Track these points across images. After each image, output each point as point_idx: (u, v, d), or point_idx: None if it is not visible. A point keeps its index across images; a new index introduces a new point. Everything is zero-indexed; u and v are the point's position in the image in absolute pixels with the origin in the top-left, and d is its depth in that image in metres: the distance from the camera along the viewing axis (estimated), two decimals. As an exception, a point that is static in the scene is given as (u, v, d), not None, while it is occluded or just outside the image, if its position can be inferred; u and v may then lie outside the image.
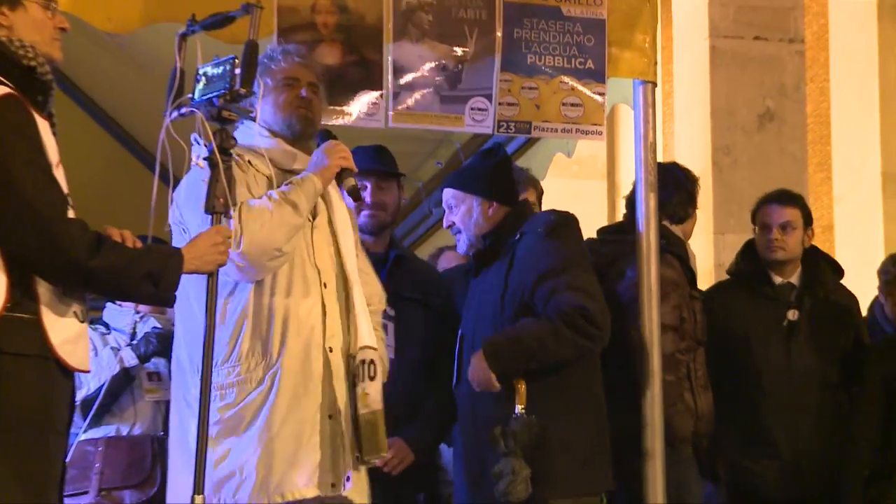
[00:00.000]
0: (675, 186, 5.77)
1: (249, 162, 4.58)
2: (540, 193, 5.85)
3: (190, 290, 4.40)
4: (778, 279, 5.95)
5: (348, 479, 4.53)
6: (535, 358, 5.03)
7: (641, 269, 5.44)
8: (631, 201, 5.70)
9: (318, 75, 4.76)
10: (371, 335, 4.64)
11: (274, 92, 4.66)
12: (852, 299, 6.20)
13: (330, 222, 4.69)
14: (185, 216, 4.51)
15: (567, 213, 5.40)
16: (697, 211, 5.92)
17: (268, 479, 4.45)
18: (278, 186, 4.52)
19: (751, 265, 6.02)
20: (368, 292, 4.76)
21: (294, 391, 4.48)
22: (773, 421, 5.79)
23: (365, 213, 5.47)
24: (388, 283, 5.29)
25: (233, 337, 4.51)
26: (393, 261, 5.57)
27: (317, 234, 4.63)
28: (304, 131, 4.65)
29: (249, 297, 4.51)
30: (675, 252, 5.67)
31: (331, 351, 4.55)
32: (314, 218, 4.64)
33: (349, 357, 4.60)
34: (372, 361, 4.60)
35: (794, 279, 5.96)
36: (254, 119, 4.39)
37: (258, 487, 4.45)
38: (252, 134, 4.56)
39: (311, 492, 4.47)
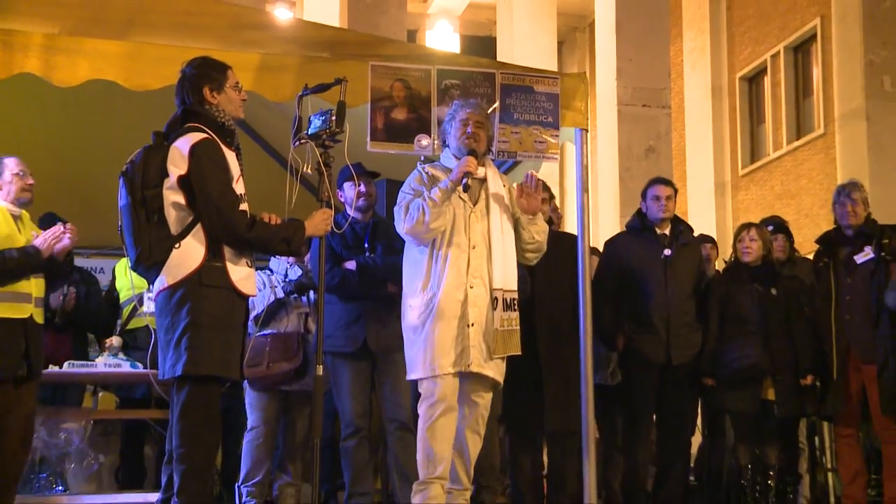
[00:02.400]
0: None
1: (431, 175, 4.36)
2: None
3: (414, 246, 4.30)
4: (658, 231, 5.59)
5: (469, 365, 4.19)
6: None
7: (579, 246, 5.01)
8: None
9: (486, 116, 4.46)
10: (502, 280, 4.26)
11: (453, 130, 4.41)
12: (698, 244, 5.91)
13: (487, 206, 4.34)
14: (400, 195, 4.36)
15: None
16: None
17: (427, 360, 4.20)
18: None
19: (642, 222, 5.64)
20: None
21: (444, 310, 4.19)
22: (653, 314, 5.42)
23: (361, 199, 5.12)
24: (372, 237, 5.10)
25: (418, 275, 4.26)
26: (371, 225, 5.17)
27: (473, 215, 4.30)
28: (471, 154, 4.31)
29: (427, 253, 4.27)
30: None
31: (471, 287, 4.21)
32: (475, 204, 4.33)
33: (492, 291, 4.24)
34: (504, 298, 4.25)
35: (667, 231, 5.59)
36: (338, 141, 4.07)
37: (422, 365, 4.21)
38: (448, 157, 4.42)
39: (455, 369, 4.20)
